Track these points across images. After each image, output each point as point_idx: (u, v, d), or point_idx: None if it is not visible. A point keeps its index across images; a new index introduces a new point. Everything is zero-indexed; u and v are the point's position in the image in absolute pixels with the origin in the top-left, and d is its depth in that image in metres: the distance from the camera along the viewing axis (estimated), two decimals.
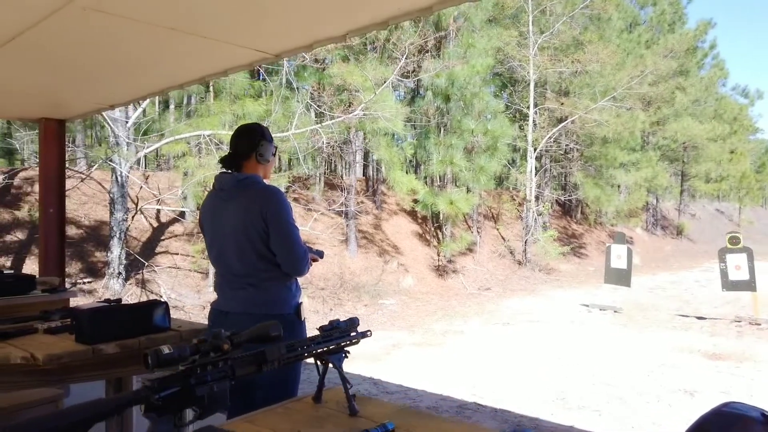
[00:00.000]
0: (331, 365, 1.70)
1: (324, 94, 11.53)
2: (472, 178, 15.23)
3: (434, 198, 14.63)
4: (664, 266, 21.21)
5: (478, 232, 17.77)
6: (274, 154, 2.60)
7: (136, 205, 10.57)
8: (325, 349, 1.68)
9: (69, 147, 11.80)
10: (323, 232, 13.39)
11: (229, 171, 2.51)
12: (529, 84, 17.71)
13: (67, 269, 9.91)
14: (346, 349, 1.77)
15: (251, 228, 2.36)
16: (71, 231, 10.60)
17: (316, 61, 12.57)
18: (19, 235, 10.49)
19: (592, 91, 18.84)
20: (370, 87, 10.94)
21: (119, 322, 2.65)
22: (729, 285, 9.81)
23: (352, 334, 1.75)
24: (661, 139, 26.78)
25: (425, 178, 16.77)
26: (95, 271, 10.20)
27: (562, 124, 18.90)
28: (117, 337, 2.59)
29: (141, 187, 10.67)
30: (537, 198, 20.14)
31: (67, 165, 9.69)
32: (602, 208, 22.17)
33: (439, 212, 15.30)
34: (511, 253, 17.85)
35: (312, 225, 13.66)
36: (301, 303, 2.58)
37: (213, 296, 9.57)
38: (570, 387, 6.16)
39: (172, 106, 14.61)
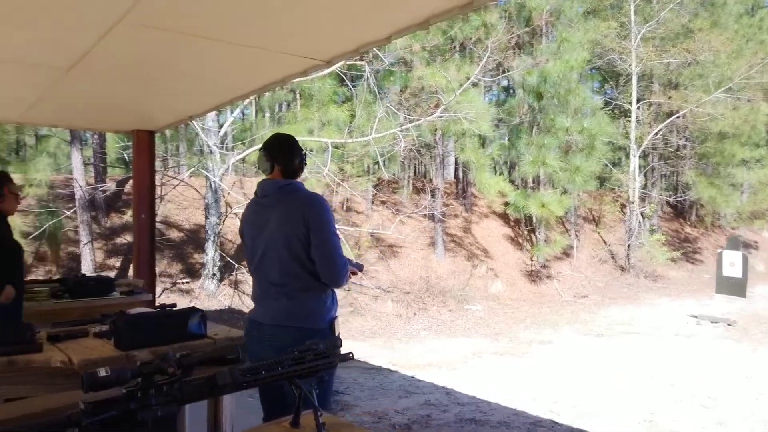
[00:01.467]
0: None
1: (402, 97, 11.44)
2: (567, 179, 14.45)
3: (526, 200, 14.05)
4: None
5: (576, 235, 16.87)
6: (305, 164, 2.59)
7: (228, 209, 11.09)
8: (294, 372, 1.54)
9: (169, 156, 12.61)
10: (409, 236, 13.31)
11: (270, 178, 2.50)
12: (631, 78, 16.55)
13: (168, 270, 10.61)
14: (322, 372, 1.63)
15: (292, 235, 2.32)
16: (173, 234, 11.33)
17: (405, 63, 12.54)
18: (128, 238, 11.36)
19: (704, 83, 17.23)
20: (454, 88, 10.70)
21: (154, 329, 2.69)
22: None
23: (328, 358, 1.61)
24: None
25: (517, 179, 16.22)
26: (193, 272, 10.80)
27: (670, 119, 17.47)
28: (151, 344, 2.64)
29: (228, 192, 11.18)
30: (643, 199, 18.81)
31: (165, 172, 10.37)
32: (720, 210, 20.21)
33: (532, 215, 14.70)
34: (612, 258, 16.76)
35: (399, 229, 13.64)
36: (337, 318, 2.48)
37: None
38: (662, 407, 5.59)
39: (267, 114, 15.22)
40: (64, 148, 10.50)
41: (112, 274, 9.85)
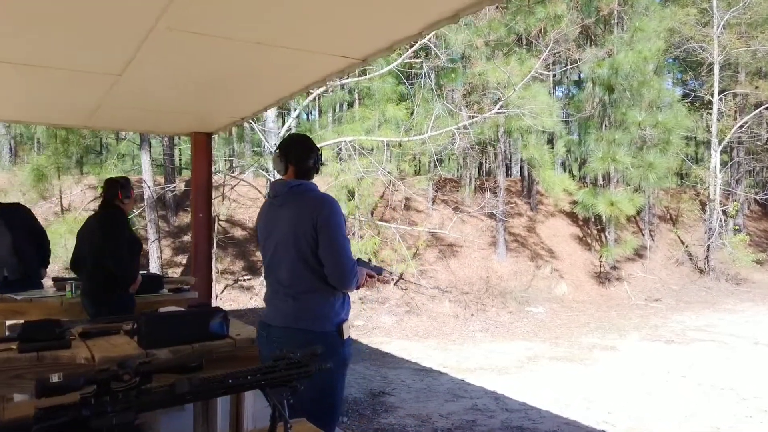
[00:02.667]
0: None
1: (461, 94, 11.23)
2: (640, 176, 13.72)
3: (594, 198, 13.46)
4: None
5: (650, 235, 16.01)
6: (322, 164, 2.59)
7: None
8: (262, 381, 1.50)
9: (233, 157, 13.01)
10: (470, 235, 13.08)
11: (283, 178, 2.50)
12: (712, 67, 15.48)
13: (231, 267, 10.96)
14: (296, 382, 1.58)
15: (301, 235, 2.29)
16: (237, 233, 11.70)
17: (466, 59, 12.34)
18: None
19: None
20: (514, 83, 10.39)
21: (175, 328, 2.75)
22: None
23: (304, 367, 1.56)
24: None
25: (587, 177, 15.58)
26: (254, 269, 11.10)
27: (758, 110, 16.20)
28: (171, 343, 2.69)
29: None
30: (726, 197, 17.59)
31: (229, 173, 10.70)
32: None
33: (601, 214, 14.07)
34: (690, 259, 15.77)
35: (460, 228, 13.43)
36: (345, 321, 2.42)
37: (358, 296, 9.77)
38: (728, 423, 5.17)
39: (329, 115, 15.42)
40: (135, 151, 11.07)
41: (178, 271, 10.29)
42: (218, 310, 2.90)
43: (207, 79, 3.75)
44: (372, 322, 9.73)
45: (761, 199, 19.16)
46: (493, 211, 13.24)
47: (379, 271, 2.56)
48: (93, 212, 4.34)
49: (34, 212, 5.05)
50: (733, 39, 15.52)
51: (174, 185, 10.62)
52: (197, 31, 2.80)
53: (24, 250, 4.74)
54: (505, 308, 11.04)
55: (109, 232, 3.71)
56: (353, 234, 10.71)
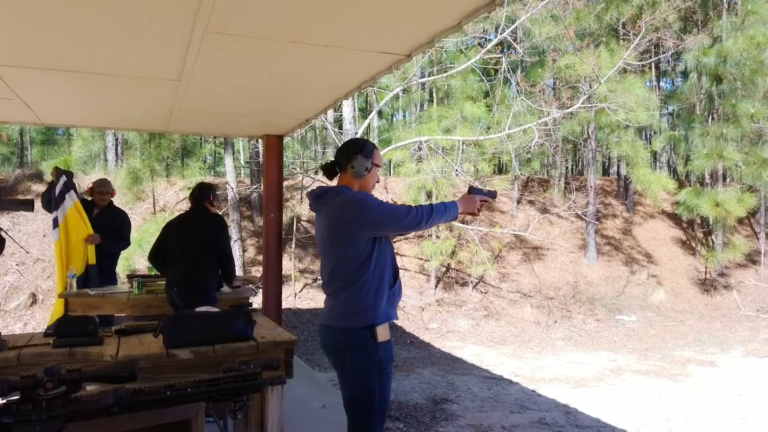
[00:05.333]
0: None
1: (539, 89, 10.69)
2: (753, 174, 12.39)
3: (698, 198, 12.34)
4: None
5: (766, 239, 14.43)
6: (368, 170, 2.48)
7: None
8: (204, 395, 1.42)
9: (312, 159, 13.26)
10: (558, 237, 12.45)
11: (326, 183, 2.55)
12: None
13: (311, 266, 11.18)
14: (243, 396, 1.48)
15: (336, 235, 2.35)
16: None
17: (551, 52, 11.79)
18: None
19: None
20: (600, 76, 9.74)
21: (198, 329, 2.77)
22: None
23: (254, 380, 1.46)
24: None
25: (691, 175, 14.35)
26: None
27: None
28: (193, 344, 2.72)
29: None
30: None
31: (306, 174, 10.91)
32: None
33: (707, 216, 12.88)
34: None
35: (548, 230, 12.85)
36: (383, 322, 2.35)
37: (434, 298, 9.68)
38: None
39: (405, 115, 15.34)
40: (221, 154, 11.58)
41: (260, 269, 10.65)
42: (242, 311, 2.90)
43: (263, 82, 3.86)
44: (447, 325, 9.52)
45: None
46: (582, 212, 12.52)
47: (493, 195, 2.54)
48: (183, 212, 4.69)
49: (131, 213, 5.47)
50: None
51: (258, 186, 10.99)
52: (237, 33, 2.85)
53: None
54: (593, 316, 10.38)
55: (225, 232, 4.26)
56: (429, 235, 10.55)
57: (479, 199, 2.44)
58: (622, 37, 12.68)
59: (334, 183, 2.58)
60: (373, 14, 2.55)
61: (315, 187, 2.55)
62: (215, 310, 3.15)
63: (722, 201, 11.74)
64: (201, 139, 13.52)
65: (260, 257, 11.32)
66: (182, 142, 9.95)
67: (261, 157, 9.48)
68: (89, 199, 5.36)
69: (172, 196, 11.34)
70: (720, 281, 12.65)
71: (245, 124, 5.82)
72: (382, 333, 2.32)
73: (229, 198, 9.95)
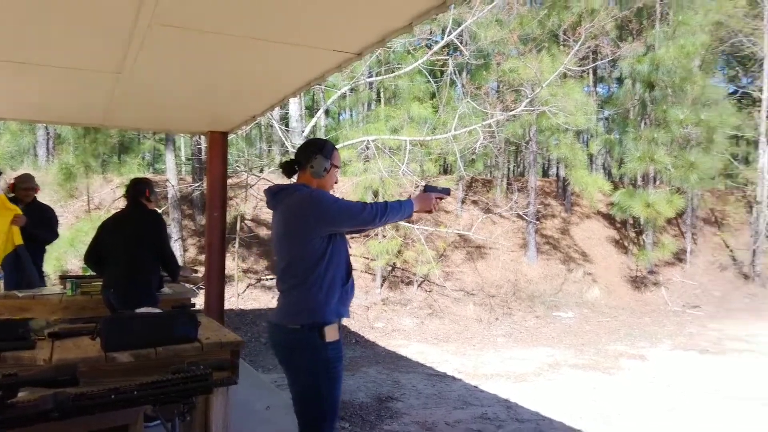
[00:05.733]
0: None
1: (484, 92, 10.94)
2: (681, 177, 13.10)
3: (630, 200, 12.93)
4: None
5: (693, 238, 15.29)
6: (327, 170, 2.47)
7: None
8: (150, 397, 1.38)
9: (255, 157, 13.08)
10: (500, 237, 12.76)
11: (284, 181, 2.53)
12: (762, 62, 14.66)
13: (254, 266, 11.01)
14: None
15: (292, 232, 2.33)
16: (262, 232, 11.74)
17: (490, 56, 12.05)
18: None
19: None
20: (543, 81, 10.05)
21: (139, 331, 2.68)
22: None
23: (204, 382, 1.44)
24: None
25: (625, 177, 15.02)
26: None
27: None
28: (133, 346, 2.63)
29: None
30: None
31: (251, 172, 10.74)
32: None
33: (639, 217, 13.52)
34: (735, 264, 14.98)
35: (490, 229, 13.14)
36: (332, 322, 2.33)
37: (380, 297, 9.66)
38: None
39: (353, 114, 15.35)
40: (162, 150, 11.24)
41: (202, 269, 10.40)
42: (185, 312, 2.83)
43: (209, 77, 3.74)
44: (392, 324, 9.59)
45: None
46: (523, 212, 12.89)
47: (447, 192, 2.60)
48: (119, 210, 4.49)
49: (63, 211, 5.22)
50: None
51: (200, 184, 10.73)
52: (184, 26, 2.75)
53: None
54: (532, 313, 10.71)
55: (163, 229, 4.08)
56: (376, 235, 10.60)
57: (434, 196, 2.50)
58: (562, 43, 13.13)
59: (288, 181, 2.56)
60: (325, 12, 2.52)
61: (272, 185, 2.54)
62: (157, 311, 3.06)
63: (653, 202, 12.35)
64: (140, 135, 13.07)
65: (202, 257, 11.05)
66: (120, 138, 9.57)
67: (204, 154, 9.25)
68: (11, 195, 5.08)
69: (108, 194, 10.91)
70: (650, 278, 13.30)
71: (189, 120, 5.66)
72: (331, 332, 2.31)
73: (169, 196, 9.66)
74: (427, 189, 2.53)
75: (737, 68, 16.96)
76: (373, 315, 9.79)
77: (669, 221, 14.67)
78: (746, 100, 16.51)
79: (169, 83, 3.91)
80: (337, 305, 2.35)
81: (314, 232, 2.27)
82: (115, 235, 4.03)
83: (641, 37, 13.97)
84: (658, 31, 13.77)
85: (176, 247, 9.48)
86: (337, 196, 2.48)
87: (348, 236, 2.53)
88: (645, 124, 13.86)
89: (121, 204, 4.17)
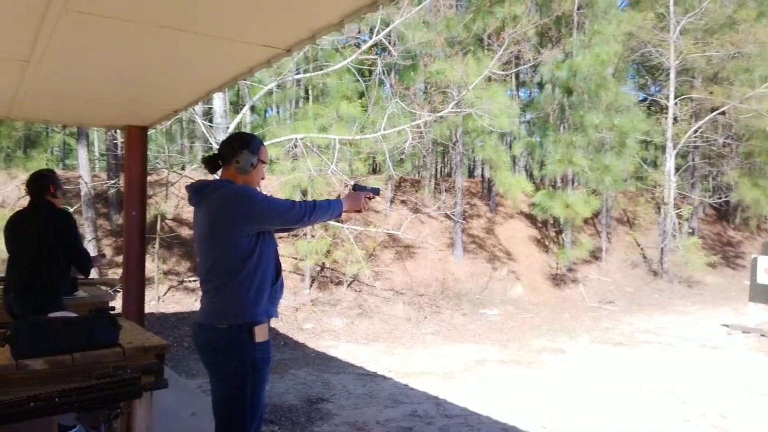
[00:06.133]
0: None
1: (412, 92, 11.09)
2: (596, 179, 13.80)
3: (551, 200, 13.49)
4: None
5: (607, 237, 16.16)
6: (254, 166, 2.38)
7: None
8: (74, 404, 1.26)
9: (176, 153, 12.61)
10: (428, 236, 12.94)
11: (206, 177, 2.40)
12: (668, 72, 15.71)
13: (176, 267, 10.57)
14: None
15: (218, 230, 2.23)
16: (184, 232, 11.30)
17: (419, 57, 12.20)
18: None
19: (749, 78, 16.20)
20: (468, 83, 10.28)
21: (54, 336, 2.48)
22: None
23: (131, 386, 1.33)
24: None
25: (545, 178, 15.64)
26: None
27: (712, 115, 16.51)
28: (48, 352, 2.44)
29: None
30: (682, 200, 17.91)
31: (172, 170, 10.31)
32: (764, 212, 19.05)
33: (559, 216, 14.12)
34: (645, 262, 15.97)
35: (419, 229, 13.30)
36: (262, 322, 2.26)
37: (309, 298, 9.50)
38: (665, 427, 5.11)
39: (280, 111, 15.11)
40: (73, 145, 10.59)
41: (119, 271, 9.87)
42: (104, 315, 2.65)
43: (126, 69, 3.52)
44: (322, 325, 9.49)
45: (715, 203, 19.60)
46: (450, 212, 13.14)
47: (376, 191, 2.59)
48: (22, 208, 4.12)
49: None
50: (689, 44, 15.79)
51: (116, 181, 10.17)
52: (100, 13, 2.56)
53: None
54: (460, 310, 10.93)
55: (72, 227, 3.71)
56: (304, 234, 10.46)
57: (364, 196, 2.47)
58: (487, 47, 13.50)
59: (212, 177, 2.45)
60: (254, 5, 2.43)
61: (194, 180, 2.44)
62: (73, 315, 2.84)
63: (571, 203, 12.93)
64: (48, 128, 12.23)
65: (119, 258, 10.48)
66: (26, 131, 8.89)
67: (121, 149, 8.78)
68: None
69: (12, 191, 10.13)
70: (569, 276, 13.92)
71: (105, 113, 5.34)
72: (261, 333, 2.24)
73: (82, 194, 9.09)
74: (357, 188, 2.52)
75: (646, 77, 18.10)
76: (302, 316, 9.64)
77: (586, 221, 15.42)
78: (654, 108, 17.63)
79: (82, 73, 3.65)
80: (267, 305, 2.29)
81: (241, 230, 2.19)
82: (18, 236, 3.72)
83: (560, 44, 14.59)
84: (575, 39, 14.42)
85: (90, 247, 8.93)
86: (264, 193, 2.40)
87: (276, 235, 2.45)
88: (564, 127, 14.49)
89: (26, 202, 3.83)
